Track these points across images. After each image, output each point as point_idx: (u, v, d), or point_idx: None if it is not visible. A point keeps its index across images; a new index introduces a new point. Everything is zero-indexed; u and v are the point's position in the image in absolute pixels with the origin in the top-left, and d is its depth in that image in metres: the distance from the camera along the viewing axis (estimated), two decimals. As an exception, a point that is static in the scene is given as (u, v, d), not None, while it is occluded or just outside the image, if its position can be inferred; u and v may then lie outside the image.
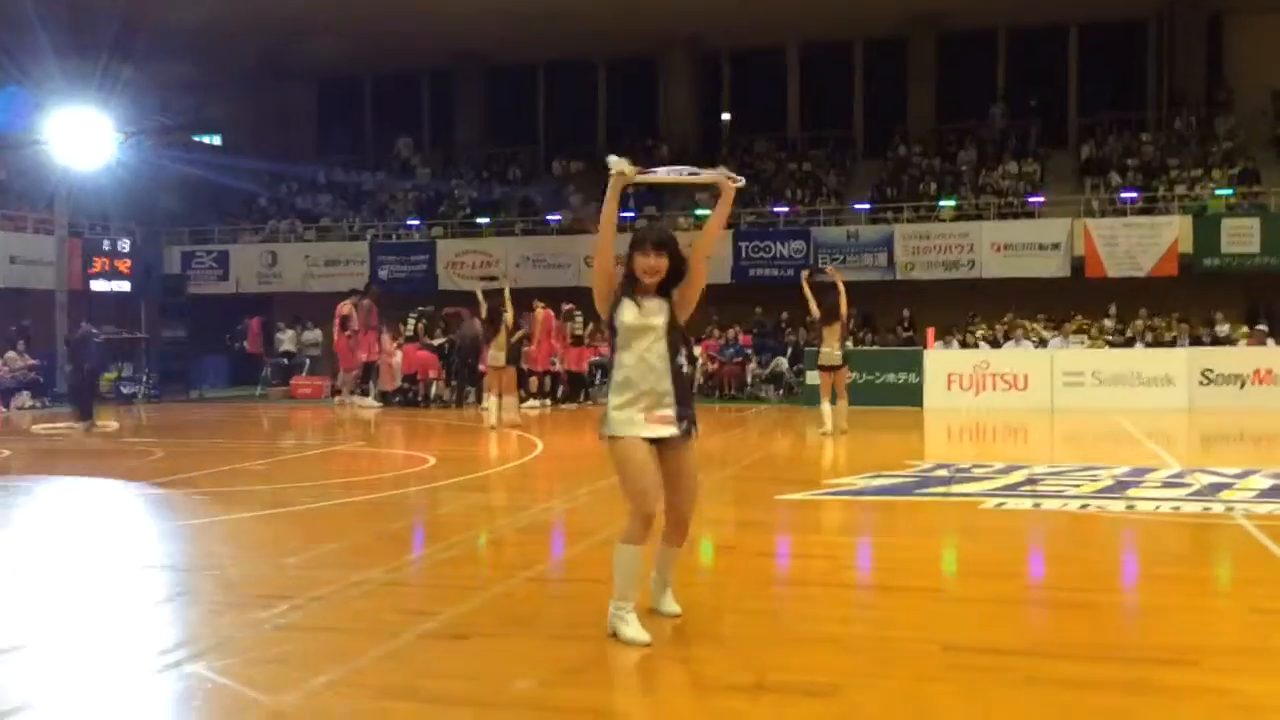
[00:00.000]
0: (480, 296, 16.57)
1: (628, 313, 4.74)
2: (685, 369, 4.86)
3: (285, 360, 25.37)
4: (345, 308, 20.52)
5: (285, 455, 12.95)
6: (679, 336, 4.82)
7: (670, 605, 5.12)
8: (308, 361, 25.24)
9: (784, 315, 23.99)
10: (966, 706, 3.98)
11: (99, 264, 23.81)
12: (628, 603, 4.73)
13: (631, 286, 4.77)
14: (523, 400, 18.47)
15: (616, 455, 4.73)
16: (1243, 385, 18.29)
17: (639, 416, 4.70)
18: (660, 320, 4.74)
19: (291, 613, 5.24)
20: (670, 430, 4.73)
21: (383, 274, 26.19)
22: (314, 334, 25.53)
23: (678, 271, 4.77)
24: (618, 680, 4.43)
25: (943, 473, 10.40)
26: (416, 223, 28.26)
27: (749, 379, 22.70)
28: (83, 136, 22.59)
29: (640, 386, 4.72)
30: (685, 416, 4.76)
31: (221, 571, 6.17)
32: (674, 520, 4.91)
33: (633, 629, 4.69)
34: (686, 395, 4.82)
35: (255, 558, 6.62)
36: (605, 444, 4.77)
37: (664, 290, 4.78)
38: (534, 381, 20.26)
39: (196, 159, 31.43)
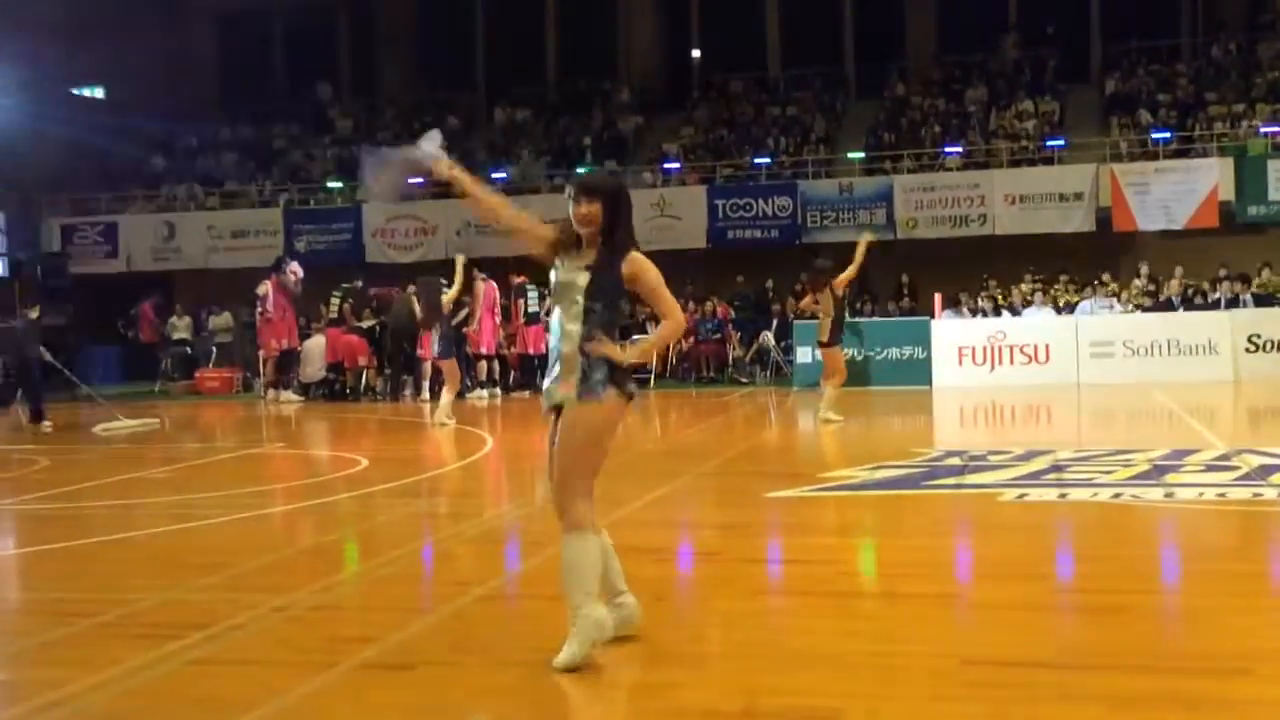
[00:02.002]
0: (459, 265, 16.29)
1: (559, 268, 4.96)
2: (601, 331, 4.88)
3: (187, 350, 25.19)
4: (263, 286, 20.46)
5: (192, 460, 12.89)
6: (607, 296, 4.85)
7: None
8: (214, 351, 25.07)
9: (768, 284, 24.07)
10: (989, 729, 4.04)
11: (-37, 241, 23.51)
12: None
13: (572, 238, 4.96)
14: (468, 390, 18.44)
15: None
16: (1295, 352, 18.52)
17: (548, 389, 4.93)
18: (579, 278, 4.85)
19: (206, 644, 5.23)
20: (563, 396, 4.85)
21: (300, 245, 26.03)
22: (222, 318, 25.35)
23: (614, 223, 4.88)
24: (585, 711, 4.46)
25: (955, 461, 10.49)
26: (338, 185, 28.08)
27: (730, 359, 22.78)
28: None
29: (550, 360, 4.95)
30: (591, 380, 4.80)
31: (122, 598, 6.15)
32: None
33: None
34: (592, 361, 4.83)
35: (161, 581, 6.59)
36: None
37: (609, 247, 4.88)
38: (481, 367, 20.23)
39: (75, 116, 31.06)
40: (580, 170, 26.42)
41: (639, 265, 4.90)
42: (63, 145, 29.22)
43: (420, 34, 32.71)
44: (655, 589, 5.82)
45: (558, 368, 4.87)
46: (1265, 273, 21.13)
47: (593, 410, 4.79)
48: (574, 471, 4.84)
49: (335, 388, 21.28)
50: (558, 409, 4.86)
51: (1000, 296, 22.02)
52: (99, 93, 33.50)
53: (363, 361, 21.40)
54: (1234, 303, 20.44)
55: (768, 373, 22.12)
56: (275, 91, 33.29)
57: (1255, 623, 5.30)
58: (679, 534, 7.68)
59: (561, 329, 4.88)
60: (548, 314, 5.07)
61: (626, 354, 4.92)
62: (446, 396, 15.22)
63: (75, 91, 32.79)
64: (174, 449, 14.66)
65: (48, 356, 16.97)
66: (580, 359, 4.80)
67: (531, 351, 20.98)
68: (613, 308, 4.89)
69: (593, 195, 4.89)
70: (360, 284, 22.44)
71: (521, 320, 20.89)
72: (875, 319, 22.10)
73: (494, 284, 20.24)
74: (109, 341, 26.43)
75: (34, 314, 17.24)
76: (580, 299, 4.83)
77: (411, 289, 18.15)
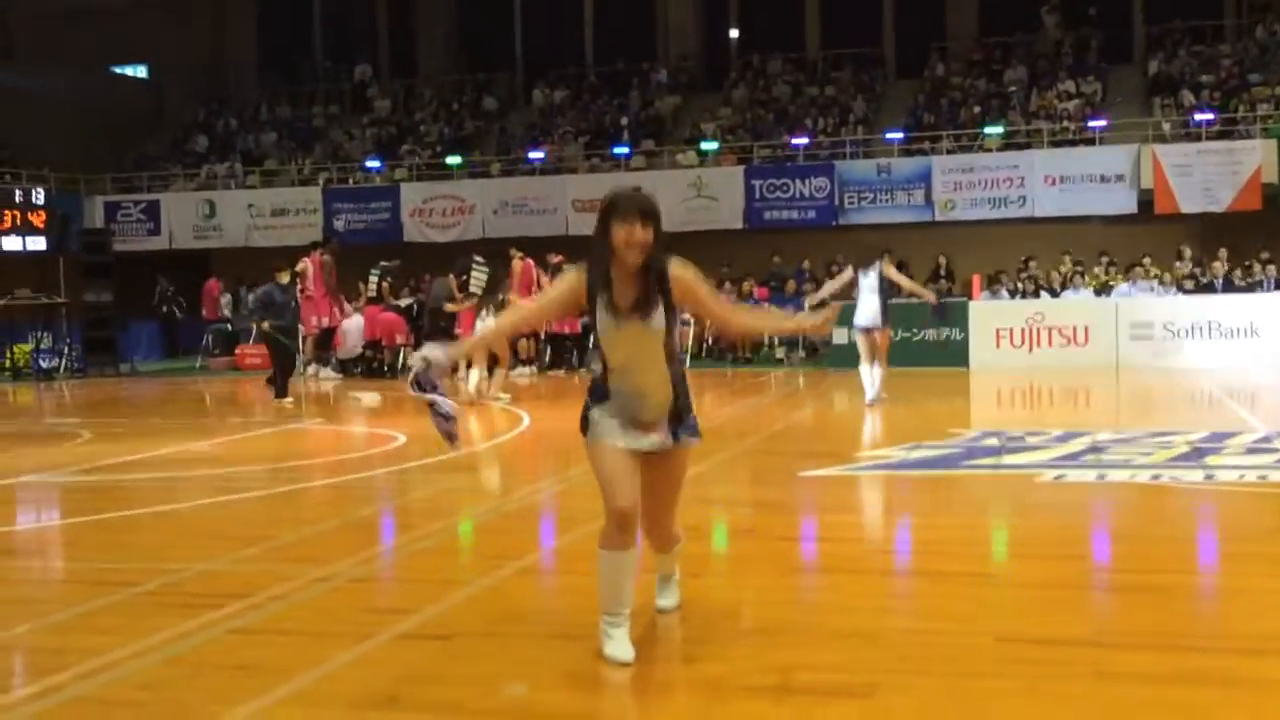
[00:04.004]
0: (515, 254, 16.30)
1: (606, 313, 4.51)
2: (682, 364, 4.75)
3: (228, 326, 25.40)
4: (302, 264, 20.55)
5: (233, 435, 13.01)
6: (673, 331, 4.60)
7: (664, 600, 5.17)
8: (254, 328, 25.24)
9: (804, 264, 24.00)
10: (1023, 706, 4.04)
11: (8, 218, 23.74)
12: (611, 616, 4.62)
13: (606, 267, 4.49)
14: (511, 368, 18.51)
15: (590, 454, 4.68)
16: (1338, 335, 18.31)
17: (619, 426, 4.61)
18: (652, 324, 4.51)
19: (248, 614, 5.30)
20: (662, 442, 4.64)
21: (339, 224, 26.18)
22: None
23: (658, 248, 4.47)
24: (620, 684, 4.49)
25: (992, 442, 10.45)
26: (377, 164, 28.19)
27: (765, 339, 22.71)
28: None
29: (632, 412, 4.61)
30: (678, 424, 4.66)
31: (163, 569, 6.23)
32: (651, 533, 4.91)
33: (613, 645, 4.57)
34: (684, 399, 4.67)
35: (203, 553, 6.67)
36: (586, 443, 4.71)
37: (647, 276, 4.48)
38: (523, 345, 20.28)
39: (118, 94, 31.35)
40: (618, 150, 26.42)
41: (686, 282, 4.55)
42: (106, 124, 29.53)
43: (459, 14, 32.77)
44: (691, 566, 5.83)
45: (650, 414, 4.59)
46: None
47: (695, 448, 4.77)
48: (677, 505, 4.89)
49: (373, 365, 21.41)
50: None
51: (1042, 277, 21.86)
52: (141, 72, 33.77)
53: (400, 339, 21.51)
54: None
55: (803, 354, 22.04)
56: (315, 71, 33.45)
57: (1294, 604, 5.27)
58: (715, 511, 7.69)
59: (647, 377, 4.56)
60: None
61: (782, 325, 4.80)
62: (500, 373, 15.48)
63: (117, 70, 33.07)
64: (215, 424, 14.80)
65: (265, 325, 16.28)
66: (673, 401, 4.63)
67: (568, 330, 21.02)
68: (672, 330, 4.61)
69: (649, 219, 4.43)
70: (399, 263, 22.55)
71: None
72: (912, 300, 21.97)
73: (531, 262, 20.28)
74: (152, 318, 26.69)
75: (284, 278, 16.69)
76: (660, 343, 4.55)
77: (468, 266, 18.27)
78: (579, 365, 20.85)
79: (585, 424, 4.65)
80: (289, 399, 16.05)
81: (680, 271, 4.54)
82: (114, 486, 9.33)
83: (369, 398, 16.40)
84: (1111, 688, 4.16)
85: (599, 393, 4.65)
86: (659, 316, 4.51)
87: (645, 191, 4.51)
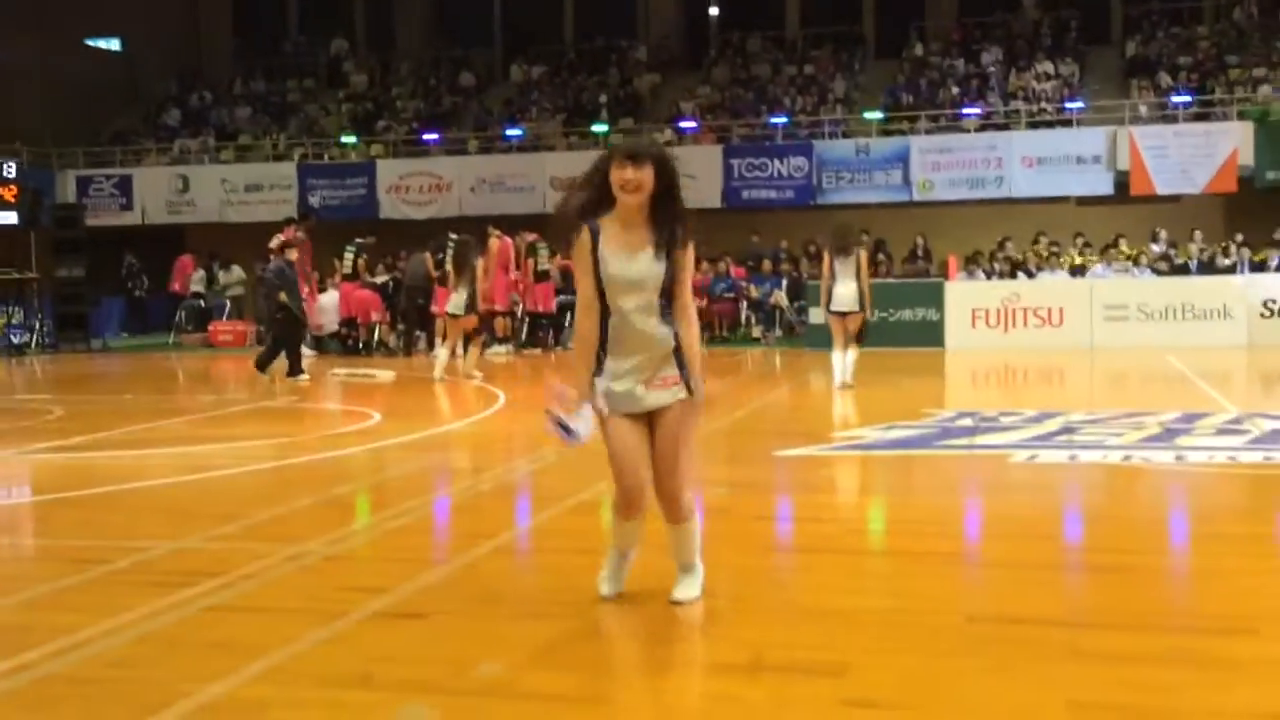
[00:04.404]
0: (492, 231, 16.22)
1: (610, 260, 4.61)
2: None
3: (200, 303, 25.28)
4: (277, 239, 20.43)
5: (206, 412, 12.96)
6: (674, 284, 4.69)
7: (679, 592, 5.00)
8: (228, 304, 25.15)
9: (783, 244, 24.02)
10: (995, 684, 4.07)
11: (-21, 192, 23.54)
12: (613, 550, 5.03)
13: (601, 210, 4.65)
14: (487, 346, 18.48)
15: (603, 428, 4.76)
16: (1310, 318, 18.46)
17: (633, 387, 4.69)
18: (653, 269, 4.61)
19: (220, 592, 5.28)
20: (675, 393, 4.72)
21: (314, 200, 26.02)
22: (233, 273, 25.40)
23: (670, 198, 4.65)
24: (596, 662, 4.50)
25: (967, 422, 10.51)
26: (352, 140, 28.04)
27: (743, 318, 22.76)
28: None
29: (636, 350, 4.68)
30: (693, 377, 4.73)
31: (135, 546, 6.21)
32: (659, 500, 4.91)
33: (604, 574, 5.02)
34: (685, 357, 4.75)
35: (175, 530, 6.65)
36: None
37: (657, 224, 4.64)
38: (500, 324, 20.25)
39: (91, 67, 31.03)
40: (596, 128, 26.36)
41: (684, 258, 4.69)
42: (78, 96, 29.23)
43: (436, -11, 32.58)
44: (665, 544, 5.85)
45: (647, 370, 4.66)
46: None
47: (699, 404, 4.79)
48: (691, 464, 4.87)
49: (348, 343, 21.35)
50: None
51: (1019, 258, 21.94)
52: (115, 44, 33.44)
53: (376, 316, 21.46)
54: (1260, 266, 20.38)
55: (779, 332, 22.08)
56: (290, 45, 33.19)
57: (1262, 584, 5.32)
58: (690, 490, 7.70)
59: (643, 328, 4.64)
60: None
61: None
62: (474, 351, 15.45)
63: (91, 43, 32.74)
64: (187, 401, 14.74)
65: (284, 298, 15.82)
66: (674, 357, 4.69)
67: (541, 309, 21.01)
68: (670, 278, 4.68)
69: (641, 160, 4.61)
70: (373, 239, 22.45)
71: (531, 278, 20.87)
72: (889, 280, 22.04)
73: (509, 240, 20.24)
74: (123, 294, 26.54)
75: (292, 254, 16.44)
76: (656, 292, 4.64)
77: (443, 243, 18.22)
78: (555, 344, 20.85)
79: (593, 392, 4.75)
80: (305, 375, 15.65)
81: (685, 249, 4.68)
82: (86, 463, 9.28)
83: (383, 375, 16.26)
84: (1082, 667, 4.19)
85: (600, 359, 4.72)
86: (658, 262, 4.62)
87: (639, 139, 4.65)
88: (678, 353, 4.71)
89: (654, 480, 4.82)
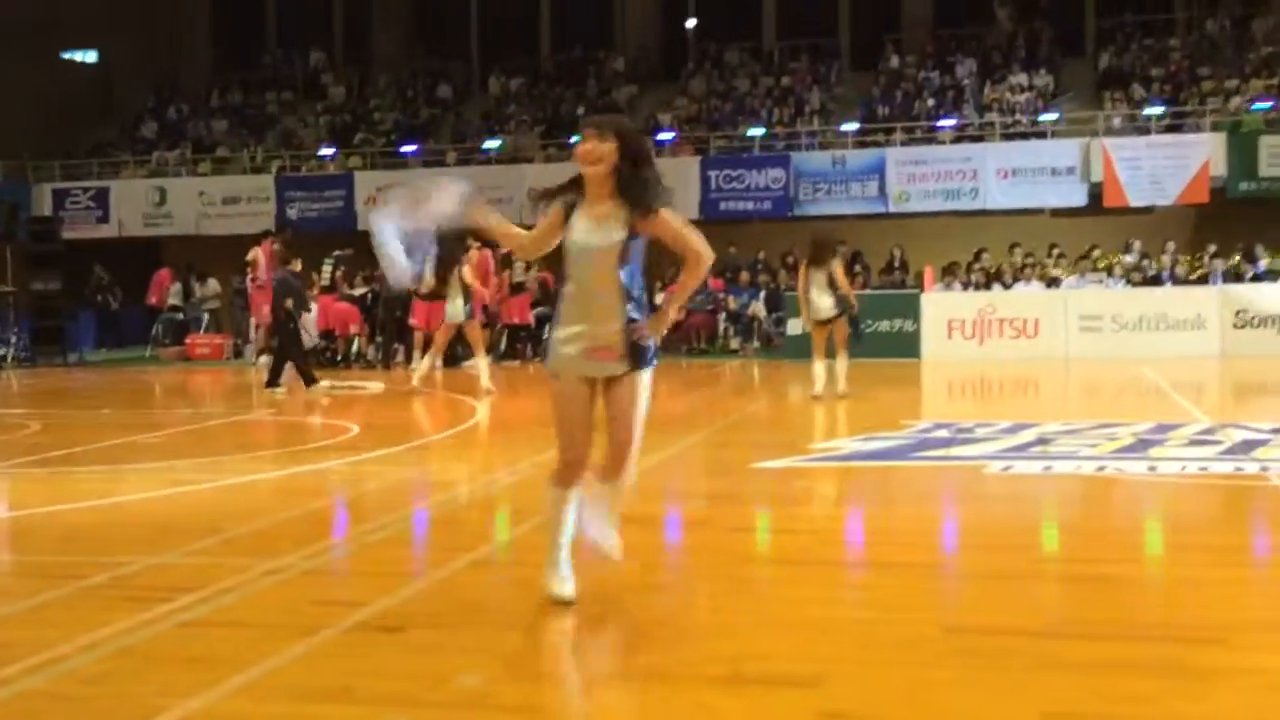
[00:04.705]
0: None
1: (574, 229, 4.82)
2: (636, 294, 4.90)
3: (178, 315, 25.17)
4: (253, 253, 20.42)
5: (184, 426, 12.91)
6: (639, 259, 4.85)
7: (592, 531, 5.13)
8: (205, 317, 25.05)
9: (760, 255, 24.09)
10: (970, 695, 4.10)
11: (-49, 205, 23.43)
12: (552, 550, 5.07)
13: (577, 192, 4.84)
14: (464, 358, 18.46)
15: (549, 390, 4.99)
16: (1282, 328, 18.60)
17: (576, 352, 4.87)
18: (608, 238, 4.77)
19: (197, 607, 5.27)
20: (613, 368, 4.88)
21: (292, 212, 25.97)
22: (209, 286, 25.30)
23: (635, 166, 4.75)
24: (573, 674, 4.52)
25: (942, 433, 10.55)
26: (330, 152, 27.99)
27: (720, 330, 22.79)
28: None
29: (576, 326, 4.86)
30: (634, 350, 4.86)
31: (111, 561, 6.18)
32: (608, 453, 5.06)
33: (557, 583, 5.03)
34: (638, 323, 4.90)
35: (152, 545, 6.62)
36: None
37: (623, 197, 4.78)
38: (480, 334, 20.17)
39: (67, 79, 30.90)
40: (574, 140, 26.33)
41: (661, 221, 4.82)
42: (54, 109, 29.10)
43: (414, 2, 32.55)
44: (643, 557, 5.87)
45: (594, 337, 4.83)
46: (1259, 249, 21.19)
47: (648, 375, 4.94)
48: (640, 433, 5.00)
49: (326, 355, 21.29)
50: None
51: (994, 270, 22.06)
52: (91, 56, 33.32)
53: (354, 329, 21.41)
54: (1236, 277, 20.52)
55: (757, 344, 22.12)
56: (268, 58, 33.13)
57: (1233, 594, 5.37)
58: (667, 503, 7.73)
59: (592, 298, 4.82)
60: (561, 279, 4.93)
61: (667, 321, 5.00)
62: (482, 362, 15.35)
63: (67, 55, 32.61)
64: (164, 414, 14.68)
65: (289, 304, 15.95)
66: (625, 325, 4.81)
67: (518, 321, 21.01)
68: (643, 268, 4.88)
69: (601, 132, 4.75)
70: (351, 251, 22.39)
71: (507, 290, 20.87)
72: (865, 291, 22.11)
73: (489, 252, 20.22)
74: (94, 306, 26.40)
75: (296, 265, 16.54)
76: (612, 262, 4.77)
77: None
78: (534, 356, 20.84)
79: (545, 350, 4.98)
80: (281, 389, 15.73)
81: (664, 214, 4.80)
82: (63, 478, 9.24)
83: (373, 386, 16.26)
84: (1057, 677, 4.23)
85: (556, 314, 4.94)
86: (614, 232, 4.75)
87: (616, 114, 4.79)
88: (630, 325, 4.82)
89: (608, 435, 4.99)
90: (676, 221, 4.87)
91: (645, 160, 4.81)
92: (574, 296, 4.86)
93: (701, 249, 4.89)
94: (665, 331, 5.01)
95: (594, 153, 4.71)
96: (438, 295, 16.04)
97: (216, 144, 29.45)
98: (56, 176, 28.13)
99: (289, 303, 15.72)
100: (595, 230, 4.78)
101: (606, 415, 4.96)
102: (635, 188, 4.76)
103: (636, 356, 4.87)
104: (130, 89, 32.16)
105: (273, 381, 15.70)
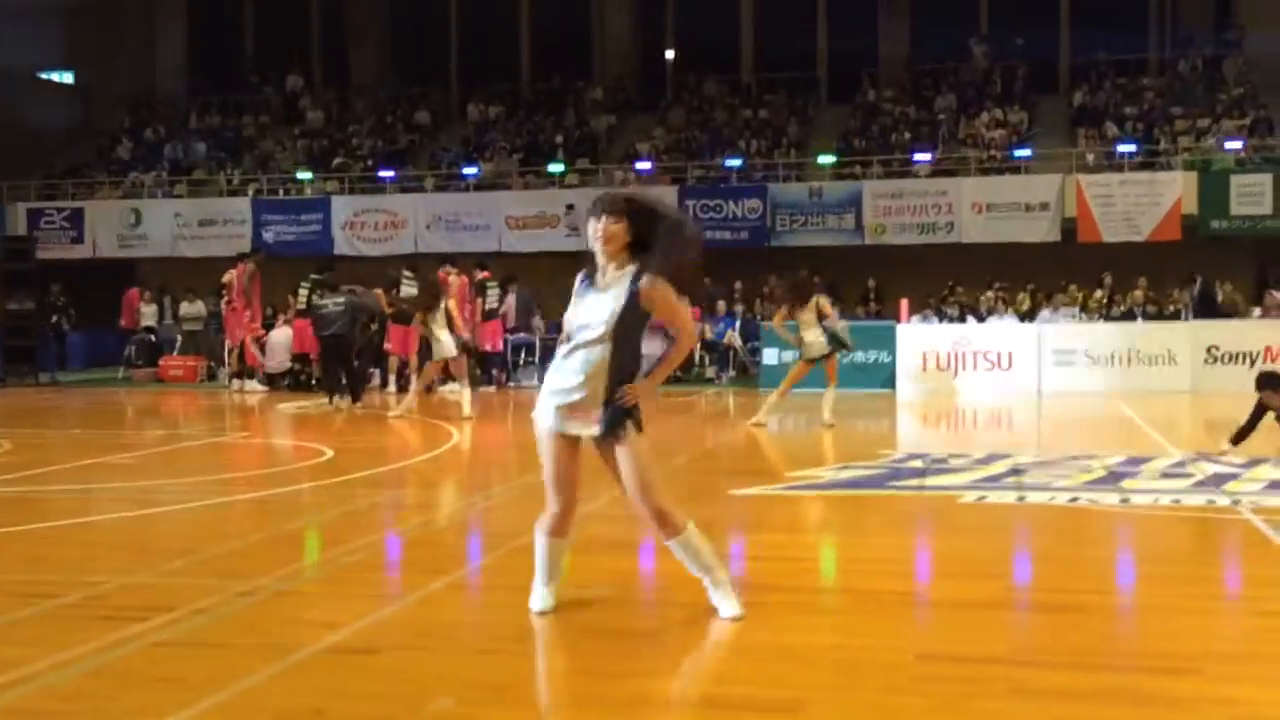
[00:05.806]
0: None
1: (582, 298, 5.03)
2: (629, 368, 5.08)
3: (152, 337, 25.03)
4: (228, 275, 20.37)
5: (156, 447, 12.85)
6: (630, 332, 4.97)
7: (721, 609, 5.29)
8: (178, 339, 24.91)
9: (736, 285, 24.16)
10: (943, 721, 4.12)
11: (-74, 224, 23.29)
12: (538, 577, 5.33)
13: (592, 267, 5.05)
14: (441, 384, 18.44)
15: (538, 441, 5.17)
16: (1252, 364, 18.74)
17: (557, 407, 5.06)
18: (605, 305, 4.92)
19: (172, 627, 5.26)
20: (592, 429, 5.03)
21: (268, 235, 25.94)
22: (195, 306, 25.16)
23: (646, 237, 4.92)
24: (549, 699, 4.51)
25: (917, 463, 10.61)
26: (308, 176, 27.98)
27: (696, 358, 22.81)
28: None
29: (562, 384, 5.04)
30: (612, 417, 4.99)
31: (85, 581, 6.15)
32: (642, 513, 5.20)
33: (535, 595, 5.30)
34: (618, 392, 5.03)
35: (125, 566, 6.60)
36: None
37: (634, 269, 4.95)
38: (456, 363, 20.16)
39: (43, 100, 30.83)
40: (552, 168, 26.46)
41: (655, 292, 4.95)
42: (29, 129, 29.01)
43: (393, 27, 32.66)
44: (620, 582, 5.88)
45: (576, 395, 4.99)
46: (1227, 287, 21.42)
47: (634, 442, 5.05)
48: (653, 486, 5.10)
49: (300, 379, 21.18)
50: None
51: (968, 303, 22.21)
52: (68, 78, 33.26)
53: (329, 353, 21.29)
54: (1206, 311, 20.67)
55: (733, 372, 22.17)
56: (245, 81, 33.13)
57: (1205, 624, 5.42)
58: (644, 529, 7.72)
59: (575, 360, 5.00)
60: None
61: (651, 390, 5.14)
62: (466, 390, 15.43)
63: (44, 75, 32.54)
64: (138, 436, 14.60)
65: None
66: (604, 397, 4.96)
67: (489, 349, 20.97)
68: (638, 340, 5.02)
69: (609, 214, 4.93)
70: (329, 274, 22.32)
71: (479, 317, 20.83)
72: (841, 323, 22.18)
73: (466, 279, 20.22)
74: (73, 329, 26.21)
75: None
76: (600, 331, 4.94)
77: (396, 279, 18.44)
78: (507, 382, 20.82)
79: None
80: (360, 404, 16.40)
81: (648, 288, 4.92)
82: (35, 498, 9.18)
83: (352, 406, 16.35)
84: (1028, 705, 4.26)
85: (552, 368, 5.13)
86: (614, 299, 4.91)
87: (617, 191, 4.88)
88: (611, 389, 4.95)
89: (634, 504, 5.17)
90: (669, 295, 5.00)
91: (659, 235, 4.94)
92: (568, 355, 5.04)
93: (693, 330, 5.18)
94: (650, 399, 5.12)
95: (603, 234, 4.92)
96: (405, 318, 16.25)
97: (193, 166, 29.39)
98: (31, 196, 28.01)
99: (374, 325, 16.22)
100: (597, 299, 4.98)
101: (621, 478, 5.13)
102: (641, 262, 4.94)
103: (614, 425, 4.99)
104: (106, 110, 32.09)
105: (355, 397, 16.35)
